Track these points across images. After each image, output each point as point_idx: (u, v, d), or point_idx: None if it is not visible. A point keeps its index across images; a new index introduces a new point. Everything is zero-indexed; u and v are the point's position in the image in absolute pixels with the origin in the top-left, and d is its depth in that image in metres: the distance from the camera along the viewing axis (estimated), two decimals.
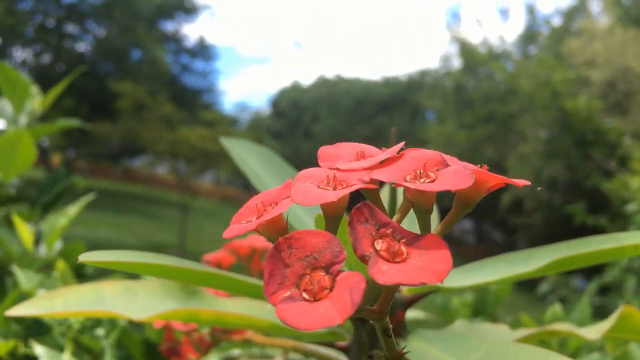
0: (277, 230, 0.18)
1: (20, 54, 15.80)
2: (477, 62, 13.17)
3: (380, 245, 0.17)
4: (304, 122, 19.12)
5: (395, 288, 0.18)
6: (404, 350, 0.22)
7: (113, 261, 0.27)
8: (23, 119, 1.09)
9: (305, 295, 0.16)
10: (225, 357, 0.68)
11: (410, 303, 0.38)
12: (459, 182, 0.18)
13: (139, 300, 0.40)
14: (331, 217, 0.18)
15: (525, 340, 0.39)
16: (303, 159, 17.84)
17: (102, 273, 1.06)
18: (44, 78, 15.50)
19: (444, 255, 0.17)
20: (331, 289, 0.16)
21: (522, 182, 0.21)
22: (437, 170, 0.19)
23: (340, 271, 0.16)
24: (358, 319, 0.38)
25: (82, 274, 1.03)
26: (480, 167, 0.20)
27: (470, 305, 1.11)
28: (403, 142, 0.20)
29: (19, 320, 0.75)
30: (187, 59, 18.11)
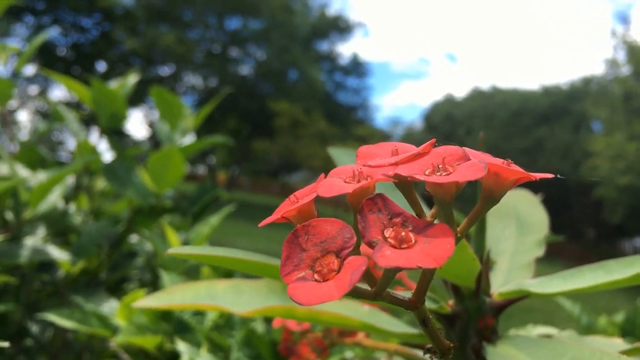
0: (307, 218, 0.20)
1: (190, 78, 17.22)
2: None
3: (389, 232, 0.18)
4: (457, 135, 18.76)
5: (395, 271, 0.19)
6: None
7: (196, 254, 0.30)
8: (177, 137, 1.20)
9: (316, 276, 0.17)
10: None
11: (500, 308, 0.37)
12: (471, 174, 0.19)
13: (244, 297, 0.43)
14: (356, 208, 0.20)
15: (629, 352, 0.37)
16: None
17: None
18: (210, 100, 16.70)
19: (448, 242, 0.17)
20: (338, 271, 0.17)
21: (544, 176, 0.20)
22: (458, 164, 0.20)
23: (348, 255, 0.18)
24: (447, 321, 0.38)
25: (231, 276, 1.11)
26: (506, 162, 0.21)
27: (618, 326, 1.03)
28: (434, 140, 0.21)
29: (167, 318, 0.83)
30: (341, 77, 18.59)
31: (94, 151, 1.16)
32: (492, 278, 0.43)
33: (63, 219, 1.15)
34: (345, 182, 0.20)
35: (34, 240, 0.96)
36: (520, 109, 17.68)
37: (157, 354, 0.81)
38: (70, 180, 1.18)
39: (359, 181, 0.20)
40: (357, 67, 18.63)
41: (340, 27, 18.25)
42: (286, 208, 0.20)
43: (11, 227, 0.94)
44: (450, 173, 0.19)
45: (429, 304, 0.38)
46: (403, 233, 0.18)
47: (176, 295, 0.43)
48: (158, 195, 1.08)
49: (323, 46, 18.45)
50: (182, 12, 16.44)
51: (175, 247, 0.30)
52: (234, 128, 14.73)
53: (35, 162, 1.12)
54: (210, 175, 17.03)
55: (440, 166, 0.20)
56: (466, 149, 0.21)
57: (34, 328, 1.04)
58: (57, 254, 0.91)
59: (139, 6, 15.89)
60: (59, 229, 1.16)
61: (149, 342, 0.78)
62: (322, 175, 0.21)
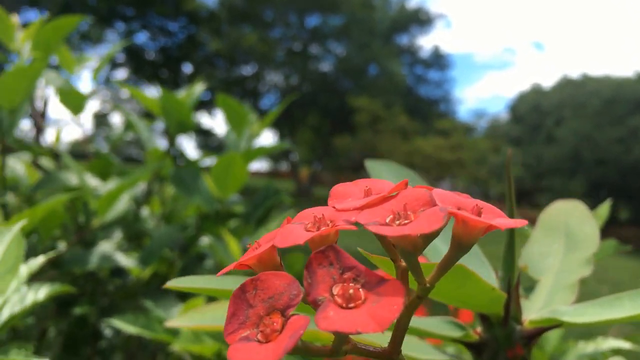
0: (268, 266, 0.19)
1: (272, 77, 17.50)
2: None
3: (337, 289, 0.17)
4: (545, 126, 18.03)
5: (341, 335, 0.18)
6: None
7: (190, 287, 0.30)
8: (243, 144, 1.22)
9: (259, 336, 0.16)
10: None
11: (531, 337, 0.35)
12: (427, 225, 0.17)
13: None
14: None
15: None
16: (545, 166, 16.83)
17: None
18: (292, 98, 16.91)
19: (395, 302, 0.16)
20: (281, 332, 0.16)
21: (513, 225, 0.18)
22: (422, 210, 0.18)
23: (292, 315, 0.17)
24: (475, 350, 0.36)
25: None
26: (476, 207, 0.19)
27: None
28: (406, 180, 0.20)
29: None
30: (422, 70, 18.32)
31: (163, 158, 1.19)
32: (532, 299, 0.41)
33: (136, 224, 1.20)
34: (306, 229, 0.19)
35: (105, 247, 1.00)
36: (613, 97, 16.77)
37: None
38: (142, 186, 1.23)
39: (318, 228, 0.19)
40: (438, 60, 18.29)
41: (421, 20, 17.98)
42: (249, 255, 0.20)
43: (81, 234, 0.98)
44: (410, 222, 0.18)
45: (454, 332, 0.36)
46: (351, 290, 0.16)
47: (207, 315, 0.43)
48: (222, 200, 1.10)
49: (403, 40, 18.24)
50: (263, 12, 16.72)
51: (171, 280, 0.30)
52: (315, 125, 14.84)
53: (107, 170, 1.17)
54: (293, 172, 17.25)
55: (400, 213, 0.18)
56: (438, 191, 0.19)
57: (107, 331, 1.08)
58: (124, 261, 0.95)
59: (222, 8, 16.30)
60: (133, 233, 1.20)
61: (207, 349, 0.79)
62: (287, 219, 0.20)
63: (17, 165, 1.25)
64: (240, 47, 15.60)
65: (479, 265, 0.38)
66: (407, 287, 0.19)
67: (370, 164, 0.50)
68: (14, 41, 0.99)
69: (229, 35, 15.79)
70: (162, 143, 1.29)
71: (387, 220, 0.18)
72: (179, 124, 1.15)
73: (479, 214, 0.19)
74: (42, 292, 0.67)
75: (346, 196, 0.21)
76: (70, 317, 1.12)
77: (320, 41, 17.08)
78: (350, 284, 0.17)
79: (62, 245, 1.00)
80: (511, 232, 0.36)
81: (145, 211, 1.25)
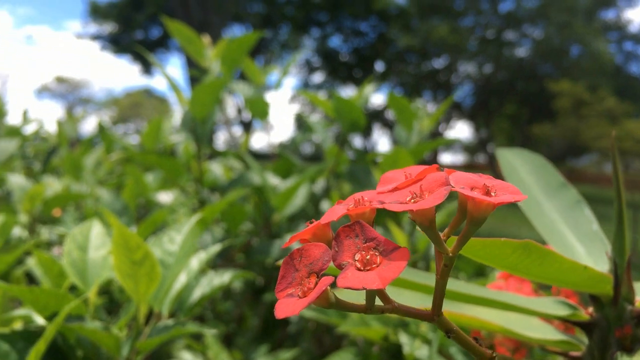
0: (321, 239, 0.23)
1: (465, 68, 17.12)
2: None
3: (358, 256, 0.20)
4: None
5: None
6: None
7: None
8: (413, 139, 1.26)
9: (299, 293, 0.21)
10: None
11: None
12: (427, 202, 0.20)
13: (402, 297, 0.46)
14: None
15: None
16: None
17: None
18: (486, 88, 16.41)
19: (400, 265, 0.19)
20: (313, 289, 0.20)
21: (516, 199, 0.20)
22: (439, 190, 0.21)
23: (323, 275, 0.21)
24: (586, 330, 0.37)
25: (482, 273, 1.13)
26: (483, 186, 0.21)
27: None
28: (436, 165, 0.23)
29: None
30: (632, 46, 16.64)
31: (339, 156, 1.27)
32: None
33: (317, 217, 1.29)
34: (347, 209, 0.23)
35: (287, 238, 1.10)
36: None
37: (383, 344, 0.87)
38: (321, 183, 1.32)
39: (356, 207, 0.22)
40: None
41: None
42: (305, 230, 0.24)
43: (267, 227, 1.09)
44: (421, 200, 0.21)
45: (564, 310, 0.37)
46: (368, 256, 0.20)
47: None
48: None
49: (609, 15, 16.73)
50: (453, 2, 16.44)
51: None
52: (512, 113, 14.25)
53: (289, 169, 1.28)
54: (491, 164, 16.72)
55: (417, 193, 0.21)
56: (457, 174, 0.22)
57: (292, 317, 1.19)
58: None
59: (411, 3, 16.33)
60: None
61: (374, 333, 0.84)
62: (338, 201, 0.24)
63: (217, 168, 1.42)
64: (431, 40, 15.50)
65: (590, 244, 0.39)
66: (444, 254, 0.22)
67: (500, 153, 0.51)
68: (204, 58, 1.13)
69: (419, 30, 15.78)
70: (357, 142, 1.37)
71: (407, 200, 0.21)
72: (351, 124, 1.22)
73: (487, 193, 0.21)
74: (226, 276, 0.77)
75: (391, 181, 0.24)
76: (264, 303, 1.25)
77: (515, 26, 16.32)
78: (370, 252, 0.20)
79: (253, 238, 1.13)
80: (620, 214, 0.36)
81: (325, 205, 1.34)
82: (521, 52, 16.67)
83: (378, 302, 0.23)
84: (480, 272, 1.14)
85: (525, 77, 15.66)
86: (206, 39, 1.19)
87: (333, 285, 0.20)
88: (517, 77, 15.59)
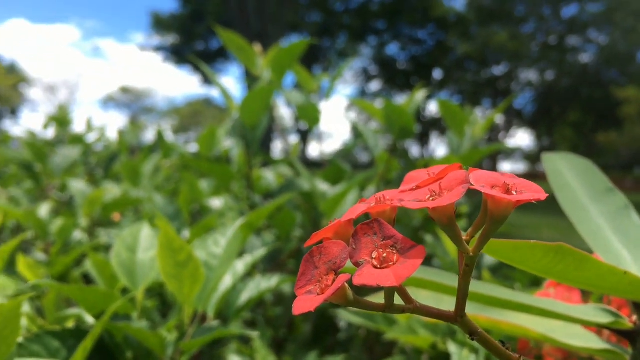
0: (342, 238, 0.23)
1: (526, 75, 16.76)
2: None
3: (375, 254, 0.20)
4: None
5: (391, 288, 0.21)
6: None
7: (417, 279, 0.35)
8: (465, 145, 1.24)
9: (317, 290, 0.21)
10: None
11: None
12: (444, 200, 0.20)
13: (444, 304, 0.46)
14: None
15: None
16: None
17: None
18: (548, 95, 16.01)
19: (415, 264, 0.19)
20: (330, 286, 0.21)
21: (537, 198, 0.20)
22: (458, 189, 0.21)
23: (340, 272, 0.21)
24: (629, 338, 0.35)
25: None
26: (503, 185, 0.20)
27: None
28: (457, 164, 0.22)
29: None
30: None
31: (389, 162, 1.26)
32: None
33: None
34: (369, 207, 0.23)
35: None
36: None
37: (431, 353, 0.86)
38: (372, 190, 1.32)
39: (376, 205, 0.22)
40: None
41: None
42: (327, 228, 0.24)
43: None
44: (438, 198, 0.21)
45: (605, 318, 0.35)
46: (385, 254, 0.20)
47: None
48: None
49: None
50: (514, 8, 16.15)
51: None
52: (576, 121, 13.83)
53: (339, 176, 1.28)
54: None
55: (436, 192, 0.21)
56: (477, 172, 0.22)
57: (342, 323, 1.19)
58: None
59: (471, 10, 16.13)
60: None
61: (422, 341, 0.83)
62: (361, 199, 0.24)
63: (269, 175, 1.44)
64: (490, 47, 15.26)
65: (637, 250, 0.37)
66: (466, 253, 0.22)
67: (546, 157, 0.50)
68: (256, 67, 1.15)
69: (479, 37, 15.56)
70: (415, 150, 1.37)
71: (426, 198, 0.21)
72: (401, 130, 1.21)
73: (508, 191, 0.21)
74: (273, 280, 0.78)
75: (414, 180, 0.24)
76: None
77: (579, 31, 15.88)
78: (387, 250, 0.20)
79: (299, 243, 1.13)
80: None
81: None
82: (585, 57, 16.21)
83: (399, 301, 0.22)
84: (535, 282, 1.12)
85: (590, 83, 15.19)
86: (257, 47, 1.21)
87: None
88: (581, 84, 15.14)
